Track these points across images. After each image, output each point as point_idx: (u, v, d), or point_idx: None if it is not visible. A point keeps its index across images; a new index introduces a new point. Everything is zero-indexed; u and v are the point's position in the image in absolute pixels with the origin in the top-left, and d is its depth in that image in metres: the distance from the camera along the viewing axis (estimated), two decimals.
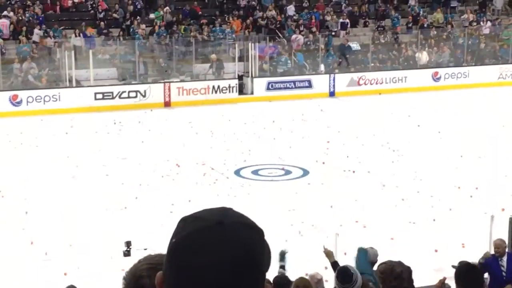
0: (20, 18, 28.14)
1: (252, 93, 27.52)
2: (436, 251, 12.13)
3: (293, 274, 8.04)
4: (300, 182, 16.85)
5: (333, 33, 30.62)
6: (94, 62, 26.23)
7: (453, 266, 7.94)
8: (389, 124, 22.72)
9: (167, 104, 26.15)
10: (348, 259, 9.18)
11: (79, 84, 26.19)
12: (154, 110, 24.92)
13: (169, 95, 26.34)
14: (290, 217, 14.12)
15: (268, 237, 1.57)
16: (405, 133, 21.43)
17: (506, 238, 9.94)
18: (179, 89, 26.62)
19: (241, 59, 28.17)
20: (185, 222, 1.54)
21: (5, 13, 28.13)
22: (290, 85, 27.95)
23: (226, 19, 30.20)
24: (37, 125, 22.58)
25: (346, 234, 12.64)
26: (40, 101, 24.91)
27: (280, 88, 27.77)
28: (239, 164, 18.26)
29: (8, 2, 29.33)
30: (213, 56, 28.13)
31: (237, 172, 17.59)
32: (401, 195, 15.37)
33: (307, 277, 7.94)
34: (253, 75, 27.69)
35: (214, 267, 1.45)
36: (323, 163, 18.12)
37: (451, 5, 34.26)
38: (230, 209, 1.56)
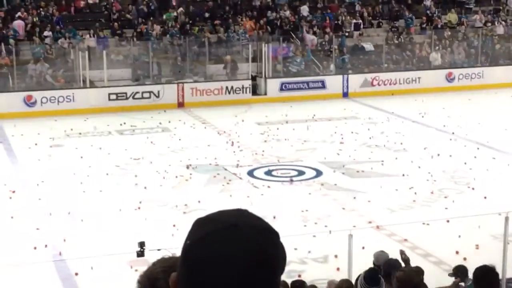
0: (34, 19, 28.29)
1: (265, 93, 27.51)
2: (453, 252, 12.08)
3: (306, 275, 8.03)
4: (314, 182, 16.83)
5: (346, 34, 30.58)
6: (108, 62, 26.32)
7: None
8: (402, 125, 22.67)
9: (180, 105, 26.20)
10: (361, 261, 9.16)
11: (93, 85, 26.29)
12: (167, 111, 24.97)
13: (183, 96, 26.38)
14: (303, 217, 14.11)
15: (281, 239, 1.56)
16: (419, 134, 21.37)
17: None
18: (193, 90, 26.66)
19: (254, 59, 28.18)
20: (199, 224, 1.54)
21: (19, 14, 28.30)
22: (303, 85, 27.92)
23: (240, 20, 30.21)
24: (51, 125, 22.67)
25: (360, 235, 12.64)
26: (54, 102, 25.01)
27: (293, 89, 27.74)
28: (252, 164, 18.27)
29: (23, 2, 29.50)
30: (228, 57, 28.15)
31: (250, 173, 17.59)
32: (414, 196, 15.34)
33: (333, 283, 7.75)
34: (267, 76, 27.70)
35: (228, 269, 1.45)
36: (337, 163, 18.09)
37: (466, 6, 34.12)
38: (245, 211, 1.56)
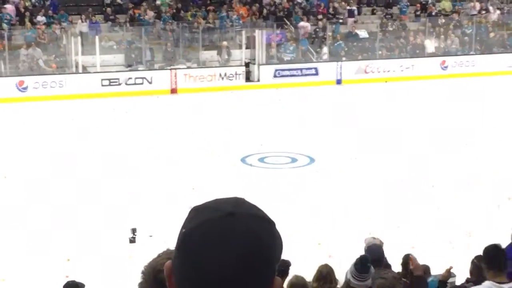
0: (26, 3, 28.09)
1: (258, 80, 27.47)
2: (446, 241, 12.09)
3: (297, 264, 8.00)
4: (307, 169, 16.82)
5: (340, 21, 30.50)
6: (100, 48, 26.21)
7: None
8: (396, 112, 22.68)
9: (173, 91, 26.13)
10: (352, 249, 9.15)
11: (85, 70, 26.18)
12: (160, 97, 24.89)
13: (176, 82, 26.31)
14: (296, 205, 14.10)
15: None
16: (412, 121, 21.38)
17: None
18: (186, 76, 26.59)
19: (247, 46, 28.11)
20: (196, 212, 1.52)
21: None
22: (297, 72, 27.89)
23: (233, 5, 30.09)
24: (43, 111, 22.58)
25: (351, 223, 12.66)
26: (46, 87, 24.91)
27: (287, 76, 27.71)
28: (245, 151, 18.25)
29: None
30: (224, 43, 28.07)
31: (243, 160, 17.57)
32: (405, 184, 15.33)
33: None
34: (260, 63, 27.64)
35: (223, 258, 1.43)
36: (329, 150, 18.09)
37: None
38: (242, 200, 1.53)
